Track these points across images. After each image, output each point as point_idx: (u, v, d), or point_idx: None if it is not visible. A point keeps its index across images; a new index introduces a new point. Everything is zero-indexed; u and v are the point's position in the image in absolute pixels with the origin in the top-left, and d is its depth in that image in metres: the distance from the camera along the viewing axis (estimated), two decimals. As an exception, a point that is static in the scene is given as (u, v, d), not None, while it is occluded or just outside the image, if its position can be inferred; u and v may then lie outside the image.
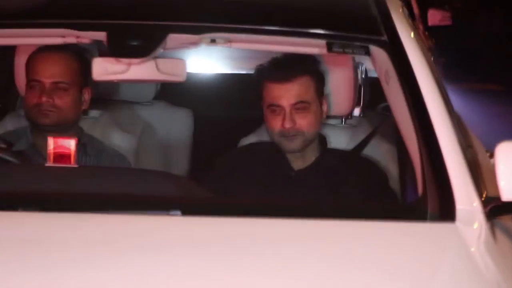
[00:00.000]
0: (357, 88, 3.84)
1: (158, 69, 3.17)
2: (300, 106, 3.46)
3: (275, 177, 3.51)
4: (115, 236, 2.47)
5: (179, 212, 2.57)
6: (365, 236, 2.54)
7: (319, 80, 3.55)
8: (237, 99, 4.72)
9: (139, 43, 3.04)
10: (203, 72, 5.00)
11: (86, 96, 3.63)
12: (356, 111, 3.98)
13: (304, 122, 3.46)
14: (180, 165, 4.36)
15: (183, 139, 4.42)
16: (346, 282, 2.30)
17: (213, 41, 3.12)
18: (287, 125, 3.44)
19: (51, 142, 2.90)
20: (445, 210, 2.60)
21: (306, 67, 3.49)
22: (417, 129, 2.82)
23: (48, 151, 2.87)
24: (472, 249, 2.53)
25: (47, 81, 3.51)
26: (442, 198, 2.62)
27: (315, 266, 2.37)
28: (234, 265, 2.34)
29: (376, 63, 3.12)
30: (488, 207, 2.66)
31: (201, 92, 4.84)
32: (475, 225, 2.60)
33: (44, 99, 3.49)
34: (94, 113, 3.98)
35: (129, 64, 3.12)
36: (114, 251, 2.38)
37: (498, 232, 2.67)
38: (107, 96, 4.29)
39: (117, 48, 3.05)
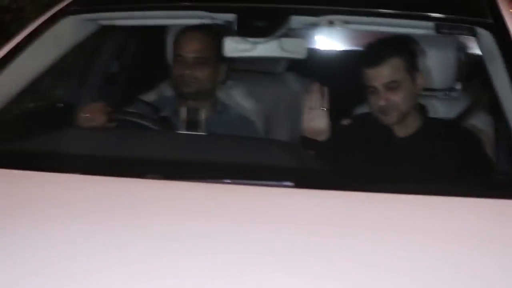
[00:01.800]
0: (459, 64, 3.20)
1: (281, 47, 2.64)
2: (391, 85, 2.90)
3: (380, 145, 2.93)
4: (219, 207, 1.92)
5: (292, 184, 2.01)
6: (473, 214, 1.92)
7: (410, 58, 2.95)
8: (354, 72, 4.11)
9: (264, 24, 2.51)
10: (326, 49, 4.41)
11: (222, 69, 3.17)
12: (458, 85, 3.33)
13: (396, 98, 2.91)
14: None
15: None
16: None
17: (331, 22, 2.56)
18: (382, 102, 2.91)
19: (183, 110, 2.40)
20: None
21: (393, 49, 2.91)
22: None
23: (181, 119, 2.37)
24: None
25: (190, 56, 3.08)
26: None
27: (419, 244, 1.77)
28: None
29: (481, 44, 2.50)
30: None
31: (323, 66, 4.26)
32: None
33: (187, 71, 3.06)
34: (231, 83, 3.46)
35: (255, 43, 2.59)
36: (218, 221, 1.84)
37: None
38: (244, 67, 3.78)
39: (245, 29, 2.54)
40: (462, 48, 3.24)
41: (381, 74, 2.90)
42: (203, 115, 2.39)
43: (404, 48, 2.99)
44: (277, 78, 3.86)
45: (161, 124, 2.73)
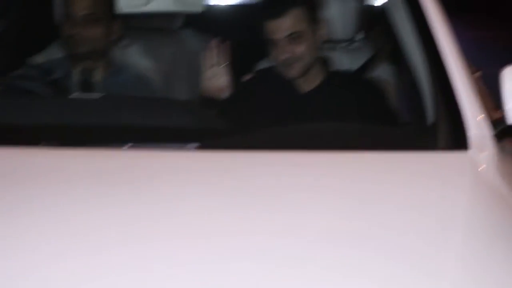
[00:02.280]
0: (359, 13, 3.16)
1: (177, 1, 2.51)
2: (293, 36, 2.83)
3: (284, 100, 2.86)
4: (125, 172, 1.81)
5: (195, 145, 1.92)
6: (379, 167, 1.87)
7: (310, 9, 2.88)
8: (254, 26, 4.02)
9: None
10: (224, 2, 4.29)
11: (116, 27, 2.99)
12: (359, 35, 3.29)
13: (299, 49, 2.84)
14: None
15: None
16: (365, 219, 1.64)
17: None
18: (284, 55, 2.83)
19: (76, 72, 2.26)
20: (458, 138, 1.93)
21: (293, 0, 2.84)
22: (425, 54, 2.15)
23: (74, 81, 2.23)
24: (484, 175, 1.86)
25: (80, 13, 2.89)
26: (454, 125, 1.95)
27: (327, 202, 1.71)
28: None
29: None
30: (496, 131, 2.00)
31: (221, 21, 4.14)
32: (487, 152, 1.94)
33: (77, 30, 2.87)
34: (126, 41, 3.31)
35: (150, -3, 2.46)
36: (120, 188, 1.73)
37: (508, 157, 2.01)
38: (140, 25, 3.62)
39: None
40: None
41: (282, 26, 2.81)
42: (97, 76, 2.25)
43: None
44: (174, 35, 3.73)
45: (52, 88, 2.57)
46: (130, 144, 1.92)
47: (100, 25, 2.89)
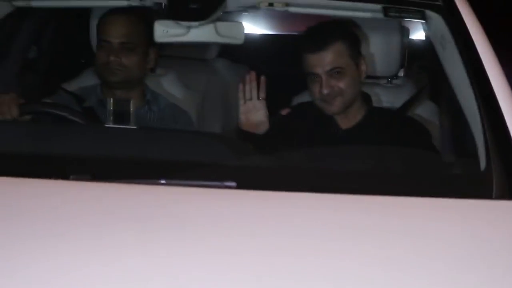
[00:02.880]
0: (403, 50, 3.07)
1: (217, 32, 2.45)
2: (335, 71, 2.73)
3: (323, 137, 2.77)
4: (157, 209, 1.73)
5: (234, 184, 1.83)
6: (429, 215, 1.77)
7: (353, 44, 2.78)
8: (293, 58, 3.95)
9: (198, 6, 2.31)
10: (260, 32, 4.23)
11: (152, 55, 2.93)
12: (401, 72, 3.20)
13: (341, 85, 2.74)
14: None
15: None
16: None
17: (270, 4, 2.39)
18: (325, 91, 2.73)
19: (110, 102, 2.19)
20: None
21: (337, 34, 2.74)
22: (477, 96, 2.06)
23: (108, 111, 2.16)
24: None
25: (115, 41, 2.83)
26: (509, 172, 1.85)
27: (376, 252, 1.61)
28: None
29: (431, 28, 2.36)
30: None
31: (258, 51, 4.07)
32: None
33: (112, 58, 2.81)
34: (160, 70, 3.25)
35: (189, 27, 2.38)
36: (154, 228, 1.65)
37: None
38: (174, 54, 3.57)
39: (177, 11, 2.34)
40: (405, 33, 3.11)
41: (324, 60, 2.72)
42: (132, 106, 2.18)
43: (347, 33, 2.82)
44: (208, 65, 3.67)
45: (85, 116, 2.50)
46: (164, 181, 1.83)
47: (135, 54, 2.83)
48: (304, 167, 2.15)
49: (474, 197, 1.84)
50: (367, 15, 2.44)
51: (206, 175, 1.86)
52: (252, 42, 4.10)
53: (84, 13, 3.19)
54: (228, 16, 2.89)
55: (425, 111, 3.01)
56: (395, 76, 3.15)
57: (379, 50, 3.02)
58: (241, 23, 2.51)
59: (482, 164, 1.94)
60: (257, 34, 4.22)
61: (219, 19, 2.45)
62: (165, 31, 2.42)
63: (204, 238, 1.64)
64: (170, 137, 2.19)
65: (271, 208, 1.79)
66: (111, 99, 2.21)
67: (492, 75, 2.09)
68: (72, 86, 3.08)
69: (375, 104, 2.95)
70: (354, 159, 2.59)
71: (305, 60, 2.77)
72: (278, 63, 3.96)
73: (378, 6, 2.35)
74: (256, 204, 1.79)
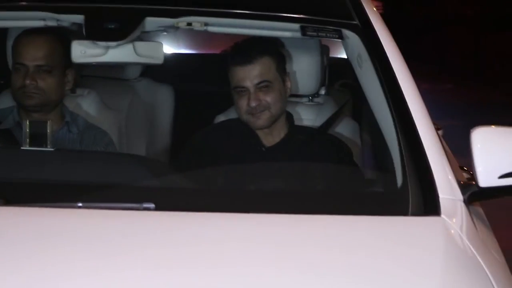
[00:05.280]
0: (323, 68, 3.12)
1: (136, 52, 2.44)
2: (263, 85, 2.78)
3: (246, 154, 2.79)
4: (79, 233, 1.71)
5: (153, 205, 1.82)
6: (348, 232, 1.80)
7: (280, 60, 2.86)
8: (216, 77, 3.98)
9: (116, 26, 2.30)
10: (182, 52, 4.24)
11: (70, 76, 2.90)
12: (322, 90, 3.24)
13: (268, 98, 2.79)
14: (164, 139, 3.62)
15: (166, 114, 3.67)
16: None
17: (189, 24, 2.40)
18: (253, 103, 2.78)
19: (26, 124, 2.16)
20: (429, 203, 1.87)
21: (265, 49, 2.81)
22: (393, 114, 2.11)
23: (24, 133, 2.14)
24: (458, 243, 1.80)
25: (31, 64, 2.78)
26: (424, 189, 1.89)
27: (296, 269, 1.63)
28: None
29: (348, 46, 2.41)
30: (466, 195, 1.94)
31: (182, 70, 4.07)
32: (458, 217, 1.87)
33: (28, 81, 2.76)
34: (80, 91, 3.22)
35: (107, 47, 2.37)
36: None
37: (476, 220, 1.95)
38: (96, 74, 3.54)
39: (94, 31, 2.33)
40: (325, 51, 3.16)
41: (252, 73, 2.76)
42: (48, 128, 2.15)
43: (274, 49, 2.89)
44: (130, 85, 3.65)
45: (1, 139, 2.46)
46: (80, 204, 1.81)
47: (52, 77, 2.79)
48: (221, 187, 2.16)
49: (390, 214, 1.88)
50: (286, 34, 2.48)
51: (122, 197, 1.85)
52: (175, 61, 4.11)
53: (1, 33, 3.14)
54: (149, 36, 2.89)
55: (345, 129, 3.05)
56: (316, 94, 3.19)
57: (299, 68, 3.06)
58: (161, 43, 2.51)
59: (399, 181, 1.98)
60: (180, 53, 4.23)
61: (139, 39, 2.45)
62: (83, 52, 2.40)
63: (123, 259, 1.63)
64: (86, 159, 2.17)
65: (188, 229, 1.79)
66: (27, 121, 2.18)
67: (408, 93, 2.14)
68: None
69: (296, 122, 2.99)
70: (275, 178, 2.62)
71: (233, 73, 2.80)
72: (201, 82, 3.98)
73: (296, 26, 2.39)
74: (174, 225, 1.79)
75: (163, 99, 3.73)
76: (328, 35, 2.40)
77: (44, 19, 2.47)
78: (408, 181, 1.94)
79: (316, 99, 3.22)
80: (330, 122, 3.00)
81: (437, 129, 2.26)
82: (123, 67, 3.59)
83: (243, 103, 2.79)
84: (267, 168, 2.74)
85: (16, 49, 2.81)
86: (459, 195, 1.92)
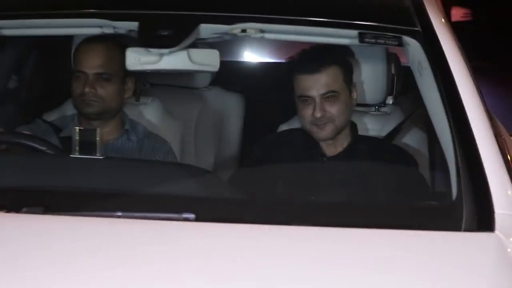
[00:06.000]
0: (390, 77, 3.02)
1: (190, 59, 2.40)
2: (329, 95, 2.71)
3: (306, 164, 2.72)
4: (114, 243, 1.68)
5: (193, 216, 1.78)
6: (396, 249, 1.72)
7: (347, 70, 2.77)
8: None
9: (169, 33, 2.28)
10: (246, 60, 4.21)
11: (130, 84, 2.90)
12: (390, 99, 3.15)
13: (334, 110, 2.71)
14: (233, 148, 3.59)
15: (235, 123, 3.64)
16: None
17: (243, 31, 2.34)
18: (318, 114, 2.70)
19: (76, 132, 2.15)
20: (483, 218, 1.76)
21: (333, 58, 2.74)
22: (451, 124, 2.01)
23: (74, 140, 2.13)
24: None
25: (90, 72, 2.79)
26: (479, 203, 1.79)
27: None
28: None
29: (409, 54, 2.31)
30: None
31: (251, 79, 4.04)
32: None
33: (87, 89, 2.77)
34: (144, 99, 3.22)
35: (161, 54, 2.34)
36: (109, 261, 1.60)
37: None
38: (165, 82, 3.54)
39: (148, 38, 2.31)
40: (392, 59, 3.06)
41: (319, 82, 2.69)
42: (98, 136, 2.14)
43: (342, 57, 2.82)
44: (200, 94, 3.63)
45: (56, 147, 2.46)
46: (120, 213, 1.78)
47: (111, 84, 2.79)
48: (265, 198, 2.11)
49: (442, 228, 1.78)
50: (344, 41, 2.40)
51: (162, 208, 1.81)
52: (246, 70, 4.08)
53: (67, 41, 3.17)
54: (211, 44, 2.85)
55: (413, 139, 2.95)
56: (383, 103, 3.10)
57: (365, 77, 2.98)
58: (216, 50, 2.47)
59: (454, 194, 1.89)
60: (250, 61, 4.20)
61: (194, 46, 2.42)
62: (137, 59, 2.38)
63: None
64: (132, 168, 2.15)
65: (235, 241, 1.74)
66: (77, 128, 2.17)
67: (468, 105, 2.04)
68: (54, 115, 3.05)
69: (361, 132, 2.91)
70: (333, 189, 2.54)
71: (298, 82, 2.73)
72: (266, 91, 3.93)
73: (355, 32, 2.31)
74: (219, 236, 1.74)
75: (233, 108, 3.70)
76: (387, 42, 2.31)
77: (101, 26, 2.47)
78: (463, 195, 1.84)
79: (383, 109, 3.13)
80: (396, 132, 2.91)
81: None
82: (193, 76, 3.57)
83: (307, 112, 2.72)
84: (326, 179, 2.67)
85: (77, 57, 2.83)
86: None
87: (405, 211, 2.00)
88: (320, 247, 1.75)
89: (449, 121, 2.02)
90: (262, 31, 2.36)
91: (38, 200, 1.81)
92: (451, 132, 2.00)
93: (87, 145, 2.15)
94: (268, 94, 4.00)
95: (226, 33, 2.39)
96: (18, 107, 3.23)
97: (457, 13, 9.51)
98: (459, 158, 1.93)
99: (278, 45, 4.11)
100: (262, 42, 4.06)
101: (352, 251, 1.75)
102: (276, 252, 1.71)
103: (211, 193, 2.05)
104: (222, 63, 3.62)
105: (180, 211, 1.80)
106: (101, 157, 2.14)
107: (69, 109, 3.11)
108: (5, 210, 1.78)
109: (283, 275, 1.63)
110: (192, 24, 2.31)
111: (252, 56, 4.21)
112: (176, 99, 3.50)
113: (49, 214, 1.79)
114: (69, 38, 3.14)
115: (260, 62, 4.26)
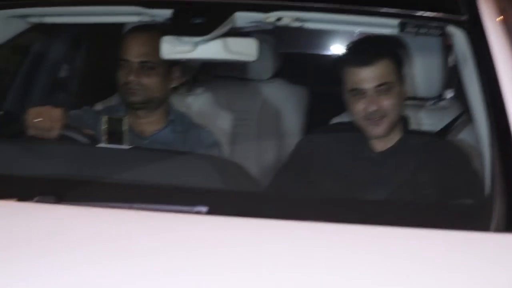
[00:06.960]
0: (446, 70, 2.89)
1: (227, 48, 2.34)
2: (383, 88, 2.58)
3: (354, 159, 2.63)
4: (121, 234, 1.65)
5: (205, 209, 1.74)
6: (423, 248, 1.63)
7: (399, 62, 2.65)
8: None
9: (203, 21, 2.23)
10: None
11: (176, 73, 2.84)
12: (448, 93, 3.02)
13: (388, 103, 2.58)
14: (293, 142, 3.53)
15: (296, 116, 3.57)
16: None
17: (279, 19, 2.28)
18: (372, 108, 2.58)
19: (104, 121, 2.14)
20: None
21: (386, 49, 2.61)
22: (488, 119, 1.89)
23: (102, 130, 2.12)
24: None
25: (135, 60, 2.77)
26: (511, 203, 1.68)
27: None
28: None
29: (455, 44, 2.20)
30: None
31: (313, 71, 3.96)
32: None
33: (131, 78, 2.75)
34: (196, 90, 3.19)
35: (196, 43, 2.30)
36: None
37: None
38: (226, 74, 3.51)
39: (181, 27, 2.26)
40: (449, 51, 2.93)
41: (373, 75, 2.58)
42: (124, 125, 2.12)
43: (395, 49, 2.70)
44: (262, 85, 3.57)
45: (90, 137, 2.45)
46: (132, 204, 1.76)
47: (156, 74, 2.77)
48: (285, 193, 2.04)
49: (471, 228, 1.68)
50: (384, 31, 2.30)
51: (175, 200, 1.77)
52: (310, 62, 4.00)
53: (117, 30, 3.17)
54: (255, 33, 2.79)
55: (469, 135, 2.81)
56: (440, 97, 2.98)
57: (418, 69, 2.86)
58: (254, 39, 2.41)
59: (486, 193, 1.78)
60: (314, 53, 4.13)
61: (232, 34, 2.37)
62: (172, 48, 2.35)
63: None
64: (155, 159, 2.11)
65: (264, 237, 1.69)
66: (105, 118, 2.15)
67: (510, 101, 1.91)
68: (100, 105, 3.06)
69: (415, 127, 2.79)
70: (378, 186, 2.45)
71: (350, 75, 2.63)
72: (332, 84, 3.81)
73: (396, 22, 2.21)
74: (222, 229, 1.69)
75: (296, 101, 3.64)
76: (429, 31, 2.19)
77: (139, 14, 2.45)
78: (495, 194, 1.73)
79: (441, 103, 3.01)
80: (450, 127, 2.78)
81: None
82: (255, 68, 3.52)
83: (359, 107, 2.60)
84: (371, 176, 2.58)
85: (122, 46, 2.81)
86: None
87: (437, 208, 1.91)
88: (335, 245, 1.68)
89: (486, 116, 1.91)
90: (298, 19, 2.29)
91: (50, 189, 1.80)
92: (488, 130, 1.89)
93: (115, 134, 2.13)
94: (332, 87, 3.91)
95: (262, 22, 2.33)
96: (69, 97, 3.26)
97: None
98: (494, 155, 1.81)
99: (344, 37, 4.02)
100: (327, 35, 3.97)
101: (375, 250, 1.67)
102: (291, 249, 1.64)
103: (226, 186, 1.99)
104: (285, 54, 3.59)
105: (192, 203, 1.75)
106: (126, 147, 2.12)
107: (115, 98, 3.11)
108: (17, 199, 1.78)
109: (296, 270, 1.57)
110: (226, 12, 2.26)
111: (316, 48, 4.13)
112: (236, 91, 3.47)
113: (61, 203, 1.77)
114: (119, 29, 3.15)
115: (325, 54, 4.18)
